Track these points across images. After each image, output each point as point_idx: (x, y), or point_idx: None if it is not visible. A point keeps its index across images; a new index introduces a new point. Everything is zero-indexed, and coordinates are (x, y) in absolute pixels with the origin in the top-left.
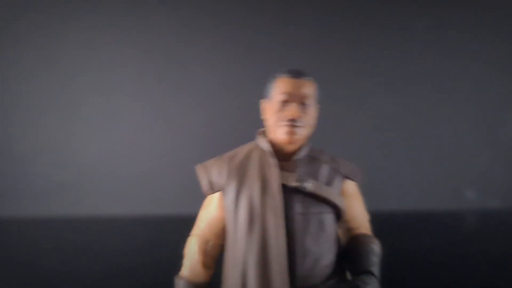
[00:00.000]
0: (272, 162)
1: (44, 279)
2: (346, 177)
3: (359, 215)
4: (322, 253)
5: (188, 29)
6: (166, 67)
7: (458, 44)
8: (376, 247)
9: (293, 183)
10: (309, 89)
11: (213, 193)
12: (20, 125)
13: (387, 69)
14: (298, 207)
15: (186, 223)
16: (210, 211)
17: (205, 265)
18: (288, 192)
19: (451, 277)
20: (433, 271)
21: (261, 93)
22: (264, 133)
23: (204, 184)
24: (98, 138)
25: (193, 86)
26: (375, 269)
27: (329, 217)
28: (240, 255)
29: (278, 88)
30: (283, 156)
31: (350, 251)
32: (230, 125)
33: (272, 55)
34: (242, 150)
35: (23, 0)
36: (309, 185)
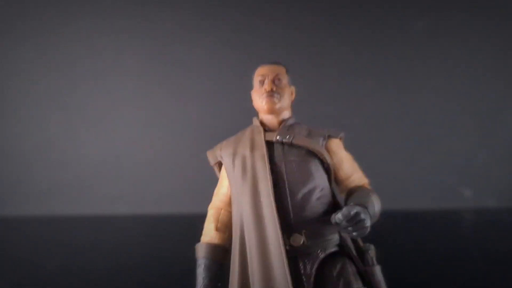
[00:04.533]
0: (259, 128)
1: (46, 277)
2: (329, 136)
3: (352, 172)
4: (311, 189)
5: (188, 31)
6: (166, 68)
7: (456, 44)
8: (370, 194)
9: (275, 138)
10: (280, 70)
11: (216, 163)
12: (22, 126)
13: (386, 69)
14: (280, 155)
15: (186, 222)
16: (219, 185)
17: (217, 229)
18: (273, 146)
19: (448, 274)
20: (431, 268)
21: None
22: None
23: (210, 159)
24: (100, 138)
25: (193, 87)
26: (370, 206)
27: (312, 163)
28: (237, 200)
29: (256, 75)
30: (271, 130)
31: (345, 201)
32: (230, 126)
33: (272, 56)
34: (239, 132)
35: (26, 3)
36: (288, 137)
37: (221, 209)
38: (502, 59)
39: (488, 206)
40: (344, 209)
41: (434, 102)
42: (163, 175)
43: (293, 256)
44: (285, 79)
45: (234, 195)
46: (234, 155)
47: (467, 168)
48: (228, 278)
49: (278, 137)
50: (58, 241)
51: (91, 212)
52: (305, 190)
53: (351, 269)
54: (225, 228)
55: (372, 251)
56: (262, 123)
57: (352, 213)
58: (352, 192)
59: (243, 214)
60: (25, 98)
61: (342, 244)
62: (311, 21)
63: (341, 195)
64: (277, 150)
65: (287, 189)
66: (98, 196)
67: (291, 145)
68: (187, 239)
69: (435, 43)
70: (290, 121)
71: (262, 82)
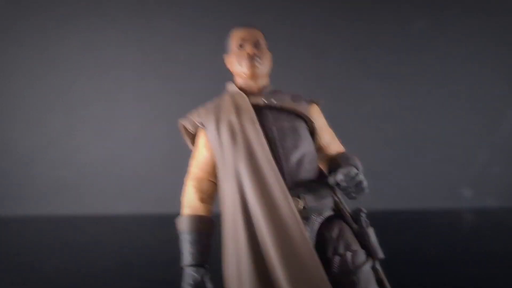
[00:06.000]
0: (241, 94)
1: (45, 278)
2: (311, 101)
3: (332, 140)
4: (303, 154)
5: (189, 31)
6: (166, 68)
7: (456, 44)
8: (355, 158)
9: (262, 102)
10: (259, 35)
11: (195, 128)
12: (22, 126)
13: (387, 69)
14: (271, 118)
15: None
16: (199, 154)
17: (202, 200)
18: (259, 110)
19: (448, 274)
20: (430, 268)
21: None
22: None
23: (188, 126)
24: (99, 138)
25: (193, 87)
26: (360, 168)
27: (302, 127)
28: (230, 167)
29: (234, 37)
30: (251, 95)
31: (329, 166)
32: None
33: (272, 56)
34: (214, 99)
35: (25, 2)
36: (276, 101)
37: (204, 179)
38: (503, 58)
39: (488, 206)
40: (344, 169)
41: (434, 101)
42: (163, 174)
43: None
44: (264, 44)
45: (225, 163)
46: (217, 121)
47: (468, 169)
48: (216, 252)
49: (265, 101)
50: (58, 241)
51: (91, 212)
52: (298, 154)
53: (348, 231)
54: (210, 199)
55: (364, 214)
56: (240, 89)
57: (352, 173)
58: (335, 158)
59: (242, 180)
60: (25, 98)
61: (336, 208)
62: (312, 20)
63: (319, 162)
64: (265, 114)
65: (281, 153)
66: (98, 196)
67: (279, 109)
68: None
69: (436, 42)
70: (270, 88)
71: (242, 46)
